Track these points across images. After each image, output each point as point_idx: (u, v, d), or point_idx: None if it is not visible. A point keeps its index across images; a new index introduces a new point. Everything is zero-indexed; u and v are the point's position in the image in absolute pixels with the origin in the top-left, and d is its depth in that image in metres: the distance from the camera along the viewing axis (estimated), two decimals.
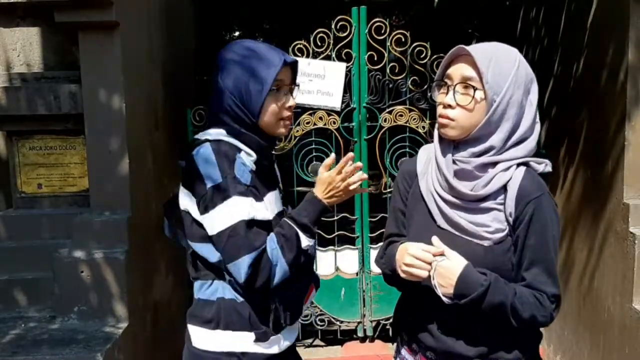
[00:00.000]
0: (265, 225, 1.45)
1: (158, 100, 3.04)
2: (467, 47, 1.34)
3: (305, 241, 1.47)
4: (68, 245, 2.45)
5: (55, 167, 2.64)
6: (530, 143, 1.36)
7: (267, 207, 1.50)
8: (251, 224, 1.41)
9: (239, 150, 1.47)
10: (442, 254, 1.31)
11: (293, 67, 1.55)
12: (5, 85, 2.54)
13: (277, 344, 1.54)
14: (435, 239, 1.33)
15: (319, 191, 1.51)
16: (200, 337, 1.54)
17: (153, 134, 2.94)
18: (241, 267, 1.38)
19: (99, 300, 2.38)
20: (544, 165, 1.38)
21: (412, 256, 1.32)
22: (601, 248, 2.77)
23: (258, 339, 1.49)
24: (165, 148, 3.12)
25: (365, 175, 1.51)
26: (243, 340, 1.50)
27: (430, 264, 1.31)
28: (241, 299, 1.50)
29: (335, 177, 1.48)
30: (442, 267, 1.30)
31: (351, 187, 1.51)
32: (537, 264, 1.32)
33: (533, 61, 3.71)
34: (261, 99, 1.46)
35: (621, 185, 2.56)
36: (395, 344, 1.62)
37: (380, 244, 3.65)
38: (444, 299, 1.31)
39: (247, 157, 1.47)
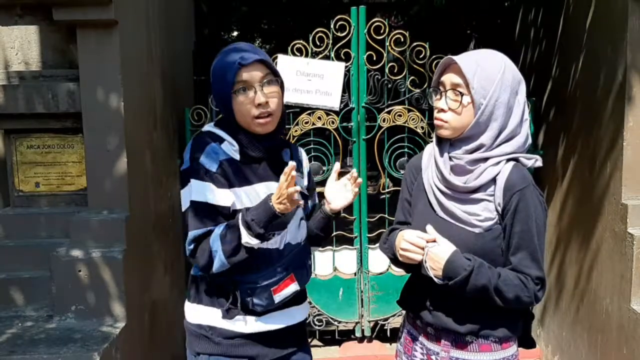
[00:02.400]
0: (221, 212, 1.53)
1: (157, 100, 3.04)
2: (455, 57, 1.47)
3: (246, 237, 1.47)
4: (66, 244, 2.45)
5: (53, 165, 2.64)
6: (519, 139, 1.49)
7: (240, 197, 1.55)
8: (202, 205, 1.51)
9: (222, 140, 1.58)
10: (434, 241, 1.47)
11: (265, 63, 1.55)
12: (3, 83, 2.53)
13: (246, 324, 1.59)
14: (429, 227, 1.49)
15: (274, 196, 1.51)
16: (187, 309, 1.69)
17: (152, 133, 2.94)
18: (187, 243, 1.53)
19: (97, 299, 2.38)
20: (533, 161, 1.52)
21: (407, 242, 1.48)
22: (599, 248, 2.77)
23: (224, 316, 1.59)
24: (163, 147, 3.12)
25: (298, 188, 1.45)
26: (211, 315, 1.61)
27: (423, 249, 1.46)
28: (213, 276, 1.57)
29: (283, 183, 1.46)
30: (432, 252, 1.46)
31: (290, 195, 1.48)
32: (522, 249, 1.47)
33: (532, 62, 3.72)
34: (229, 101, 1.54)
35: (619, 185, 2.56)
36: (402, 319, 1.77)
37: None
38: (435, 280, 1.46)
39: (229, 147, 1.58)
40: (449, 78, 1.49)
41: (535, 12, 3.77)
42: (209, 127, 1.63)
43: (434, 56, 3.34)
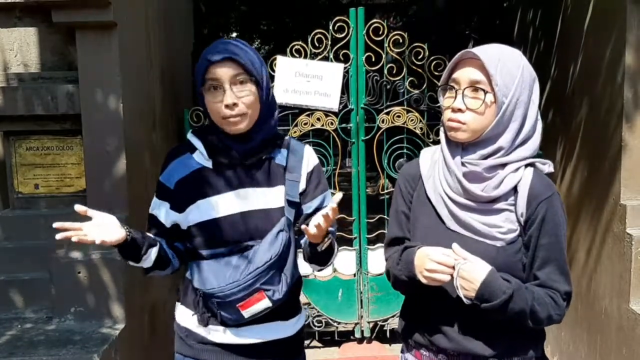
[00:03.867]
0: (163, 228, 1.60)
1: (156, 101, 3.04)
2: (474, 51, 1.34)
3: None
4: (65, 246, 2.44)
5: (53, 167, 2.64)
6: (535, 141, 1.38)
7: (205, 208, 1.53)
8: (151, 218, 1.62)
9: (193, 150, 1.57)
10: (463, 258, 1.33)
11: (237, 61, 1.46)
12: (3, 85, 2.53)
13: (219, 334, 1.56)
14: (455, 246, 1.33)
15: None
16: (175, 307, 1.70)
17: (151, 135, 2.94)
18: None
19: (96, 301, 2.38)
20: (547, 166, 1.41)
21: (434, 262, 1.32)
22: (598, 249, 2.77)
23: (199, 322, 1.57)
24: (163, 148, 3.11)
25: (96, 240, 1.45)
26: (189, 318, 1.61)
27: (453, 267, 1.31)
28: (190, 281, 1.60)
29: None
30: (465, 270, 1.30)
31: None
32: (550, 262, 1.35)
33: (530, 62, 3.71)
34: (202, 98, 1.51)
35: (618, 186, 2.57)
36: (401, 348, 1.60)
37: (379, 244, 3.65)
38: (464, 300, 1.32)
39: (200, 156, 1.56)
40: (467, 74, 1.34)
41: (533, 12, 3.78)
42: (189, 134, 1.61)
43: (432, 57, 3.35)
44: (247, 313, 1.50)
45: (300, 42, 3.37)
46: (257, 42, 10.19)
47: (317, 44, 3.36)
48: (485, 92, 1.32)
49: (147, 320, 2.74)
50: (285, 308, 1.59)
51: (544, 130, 3.60)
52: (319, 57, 3.38)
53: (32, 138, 2.62)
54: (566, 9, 3.20)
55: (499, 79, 1.30)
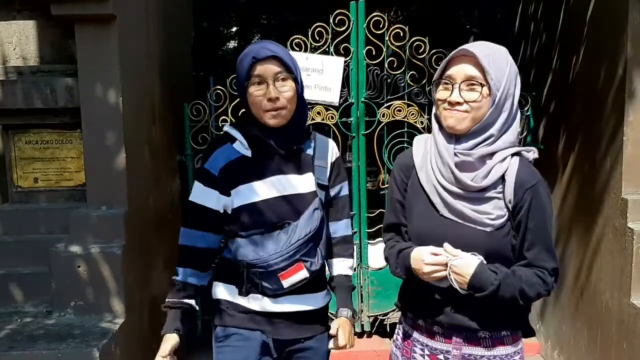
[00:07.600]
0: (212, 215, 1.69)
1: (155, 95, 3.03)
2: (468, 47, 1.45)
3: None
4: (64, 240, 2.45)
5: (52, 161, 2.63)
6: (516, 128, 1.51)
7: (246, 193, 1.66)
8: (196, 207, 1.69)
9: (233, 140, 1.70)
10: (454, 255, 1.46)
11: (280, 59, 1.63)
12: (2, 79, 2.53)
13: (259, 303, 1.70)
14: (447, 245, 1.47)
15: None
16: (212, 287, 1.82)
17: (150, 129, 2.93)
18: (180, 235, 1.76)
19: (96, 295, 2.38)
20: (532, 153, 1.53)
21: (429, 265, 1.46)
22: (599, 243, 2.77)
23: (240, 293, 1.71)
24: (162, 142, 3.11)
25: None
26: (229, 291, 1.75)
27: (446, 264, 1.45)
28: (229, 258, 1.74)
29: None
30: (455, 266, 1.44)
31: None
32: (538, 244, 1.48)
33: (532, 56, 3.71)
34: (243, 92, 1.66)
35: (619, 180, 2.56)
36: (399, 319, 1.77)
37: (379, 239, 3.64)
38: (460, 290, 1.45)
39: (240, 146, 1.70)
40: (462, 70, 1.45)
41: (535, 6, 3.76)
42: (227, 127, 1.76)
43: (433, 51, 3.33)
44: (286, 283, 1.66)
45: (300, 36, 3.35)
46: (257, 36, 10.16)
47: (317, 38, 3.35)
48: (482, 86, 1.42)
49: (147, 315, 2.74)
50: (316, 281, 1.77)
51: (545, 124, 3.60)
52: (319, 50, 3.37)
53: (31, 132, 2.62)
54: (568, 2, 3.19)
55: (492, 73, 1.41)
